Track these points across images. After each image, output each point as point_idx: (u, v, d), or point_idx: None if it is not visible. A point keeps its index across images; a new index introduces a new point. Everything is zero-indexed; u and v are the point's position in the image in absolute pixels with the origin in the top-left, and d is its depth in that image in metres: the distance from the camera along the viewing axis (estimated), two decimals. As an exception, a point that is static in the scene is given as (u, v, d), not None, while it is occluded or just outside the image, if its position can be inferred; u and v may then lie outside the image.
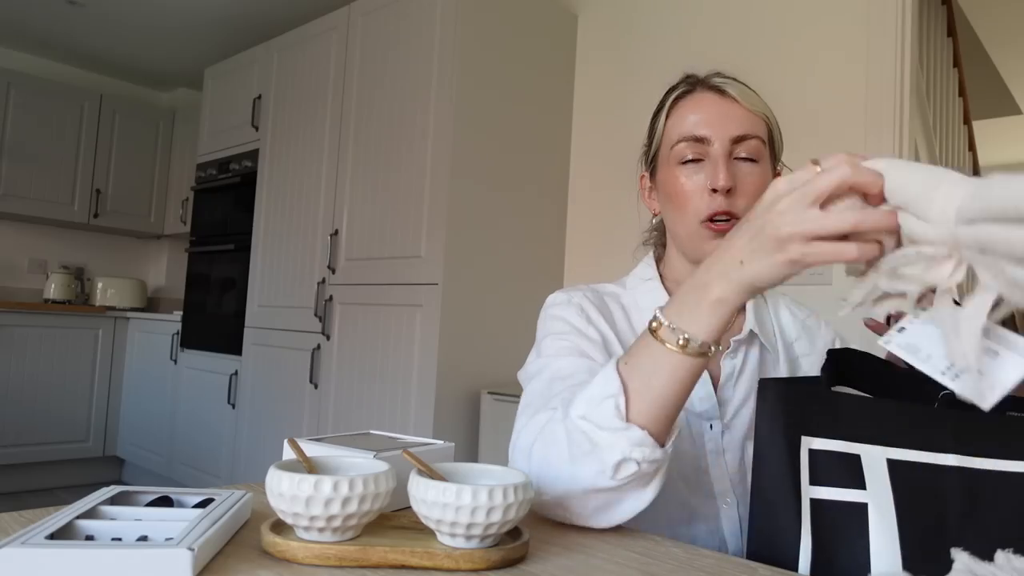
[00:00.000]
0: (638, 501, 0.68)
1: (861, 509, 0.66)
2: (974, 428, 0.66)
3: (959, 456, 0.65)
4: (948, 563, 0.60)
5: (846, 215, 0.54)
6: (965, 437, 0.65)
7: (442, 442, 0.80)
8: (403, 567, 0.56)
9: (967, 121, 3.73)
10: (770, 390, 0.71)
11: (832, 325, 1.02)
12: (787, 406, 0.70)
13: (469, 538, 0.57)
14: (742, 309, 0.95)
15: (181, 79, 4.50)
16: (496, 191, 2.47)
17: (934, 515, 0.65)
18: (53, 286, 4.03)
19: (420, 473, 0.60)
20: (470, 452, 2.33)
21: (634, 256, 1.04)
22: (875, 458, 0.66)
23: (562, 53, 2.75)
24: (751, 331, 0.92)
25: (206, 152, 3.52)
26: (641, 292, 0.96)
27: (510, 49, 2.54)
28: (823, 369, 0.76)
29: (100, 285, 4.19)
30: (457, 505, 0.56)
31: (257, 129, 3.18)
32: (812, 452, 0.68)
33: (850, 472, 0.67)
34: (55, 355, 3.66)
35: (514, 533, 0.62)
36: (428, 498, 0.57)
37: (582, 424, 0.67)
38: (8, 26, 3.83)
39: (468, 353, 2.35)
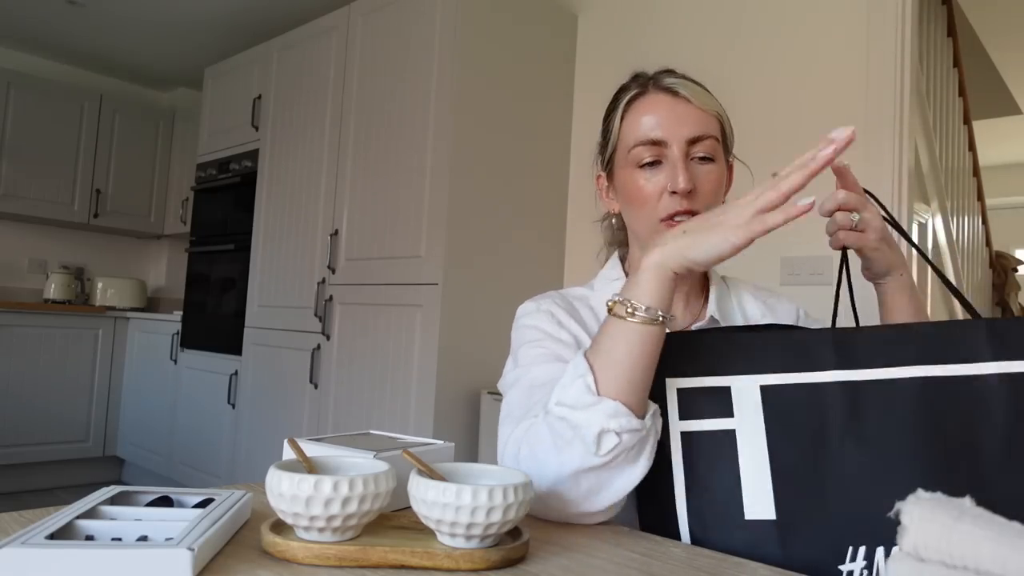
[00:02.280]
0: (628, 477, 0.71)
1: (729, 435, 0.71)
2: (856, 342, 0.71)
3: (841, 371, 0.70)
4: (827, 474, 0.68)
5: (766, 193, 0.66)
6: (847, 352, 0.70)
7: (442, 442, 0.80)
8: (403, 567, 0.56)
9: (967, 121, 3.73)
10: None
11: (795, 301, 1.04)
12: None
13: (469, 538, 0.57)
14: (705, 296, 0.97)
15: (181, 79, 4.50)
16: (496, 191, 2.47)
17: (812, 430, 0.69)
18: (53, 286, 4.03)
19: (420, 473, 0.60)
20: (470, 452, 2.33)
21: (598, 259, 1.06)
22: (746, 387, 0.72)
23: (562, 53, 2.75)
24: (712, 317, 0.94)
25: (206, 152, 3.52)
26: (609, 292, 0.97)
27: (510, 49, 2.54)
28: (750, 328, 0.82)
29: (100, 285, 4.19)
30: (457, 505, 0.56)
31: (257, 129, 3.18)
32: (680, 391, 0.74)
33: (718, 403, 0.72)
34: (55, 355, 3.66)
35: (514, 533, 0.62)
36: (428, 498, 0.57)
37: (559, 410, 0.71)
38: (8, 26, 3.83)
39: (468, 353, 2.35)
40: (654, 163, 0.88)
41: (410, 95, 2.48)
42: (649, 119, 0.88)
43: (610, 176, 0.96)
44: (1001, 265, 4.28)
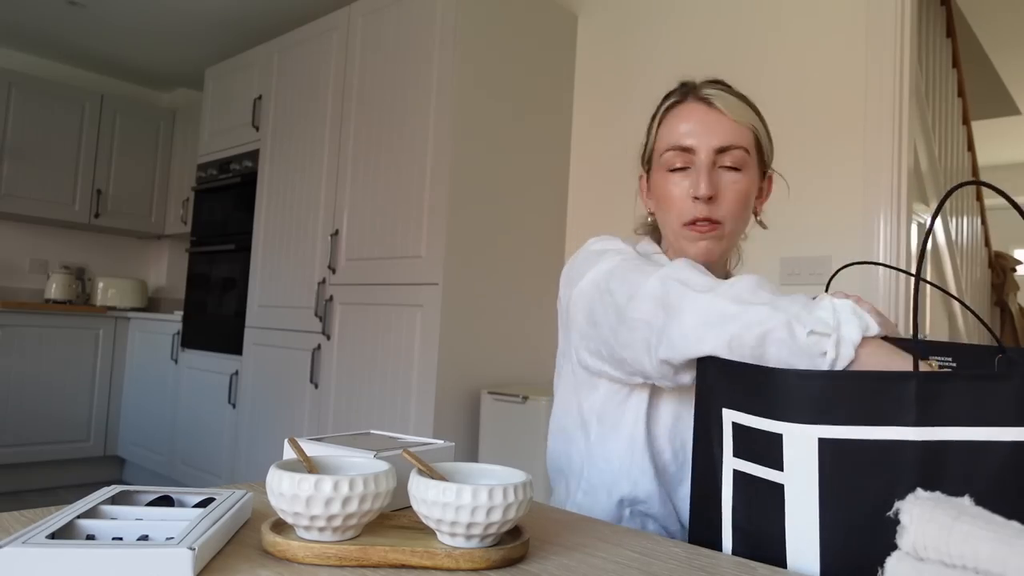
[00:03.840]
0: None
1: (778, 489, 0.63)
2: (941, 392, 0.59)
3: (920, 428, 0.59)
4: (888, 552, 0.57)
5: None
6: (929, 404, 0.59)
7: (442, 442, 0.80)
8: (403, 567, 0.56)
9: (966, 122, 3.73)
10: (708, 364, 0.72)
11: None
12: (715, 380, 0.70)
13: (469, 538, 0.57)
14: None
15: (182, 79, 4.50)
16: (496, 191, 2.47)
17: (875, 497, 0.59)
18: (54, 286, 4.04)
19: (420, 473, 0.60)
20: (470, 452, 2.33)
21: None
22: (802, 438, 0.62)
23: (562, 53, 2.75)
24: None
25: (206, 152, 3.52)
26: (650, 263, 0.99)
27: (510, 49, 2.54)
28: None
29: (101, 285, 4.19)
30: (457, 505, 0.56)
31: (257, 129, 3.18)
32: (736, 426, 0.67)
33: (769, 451, 0.64)
34: (56, 355, 3.66)
35: (514, 532, 0.62)
36: (428, 498, 0.57)
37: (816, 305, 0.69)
38: (8, 26, 3.83)
39: (468, 353, 2.35)
40: (683, 168, 0.92)
41: (410, 95, 2.48)
42: (682, 126, 0.92)
43: (648, 176, 1.00)
44: (1000, 265, 4.28)
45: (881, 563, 0.58)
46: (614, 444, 0.92)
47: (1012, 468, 0.57)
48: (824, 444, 0.61)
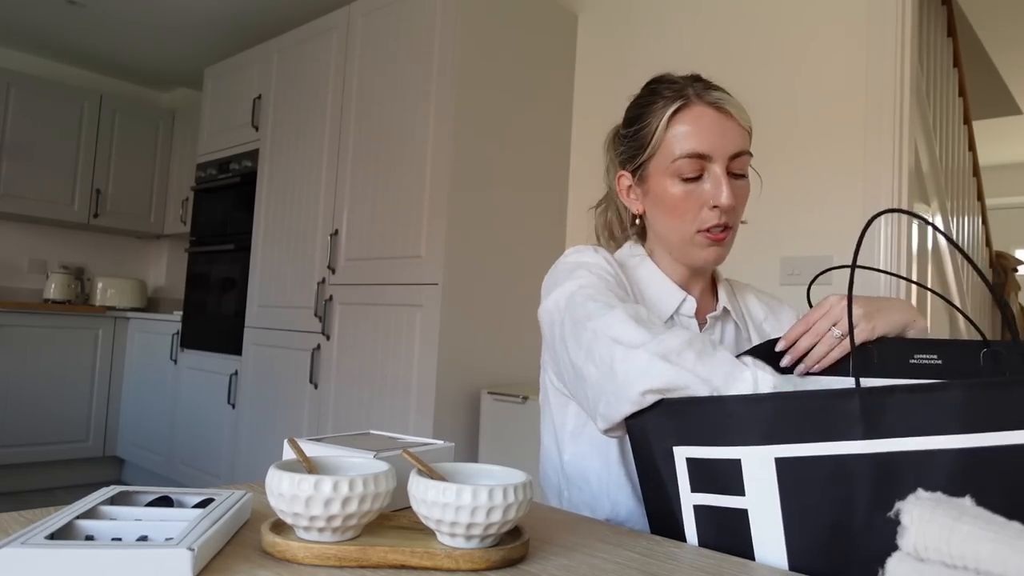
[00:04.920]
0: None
1: (742, 515, 0.65)
2: (886, 406, 0.61)
3: (868, 441, 0.60)
4: (852, 558, 0.60)
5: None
6: (875, 419, 0.60)
7: (442, 442, 0.80)
8: (403, 567, 0.56)
9: (967, 121, 3.72)
10: (647, 409, 0.71)
11: (795, 307, 1.09)
12: (660, 421, 0.70)
13: (469, 538, 0.57)
14: (714, 292, 1.02)
15: (181, 79, 4.50)
16: (496, 191, 2.47)
17: (835, 509, 0.61)
18: (53, 286, 4.03)
19: (420, 473, 0.60)
20: (470, 452, 2.33)
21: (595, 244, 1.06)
22: (759, 460, 0.64)
23: (562, 53, 2.75)
24: (724, 308, 1.00)
25: (206, 152, 3.52)
26: (630, 267, 0.99)
27: (510, 49, 2.54)
28: (747, 352, 0.81)
29: (100, 285, 4.19)
30: (457, 505, 0.56)
31: (257, 129, 3.18)
32: (690, 460, 0.68)
33: (729, 478, 0.65)
34: (55, 355, 3.66)
35: (514, 533, 0.62)
36: (428, 498, 0.57)
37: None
38: (8, 26, 3.83)
39: (468, 353, 2.35)
40: (697, 178, 0.90)
41: (410, 95, 2.48)
42: (696, 133, 0.89)
43: (640, 178, 0.96)
44: (1001, 265, 4.28)
45: (844, 573, 0.60)
46: (590, 462, 0.93)
47: (959, 474, 0.58)
48: (781, 463, 0.63)
